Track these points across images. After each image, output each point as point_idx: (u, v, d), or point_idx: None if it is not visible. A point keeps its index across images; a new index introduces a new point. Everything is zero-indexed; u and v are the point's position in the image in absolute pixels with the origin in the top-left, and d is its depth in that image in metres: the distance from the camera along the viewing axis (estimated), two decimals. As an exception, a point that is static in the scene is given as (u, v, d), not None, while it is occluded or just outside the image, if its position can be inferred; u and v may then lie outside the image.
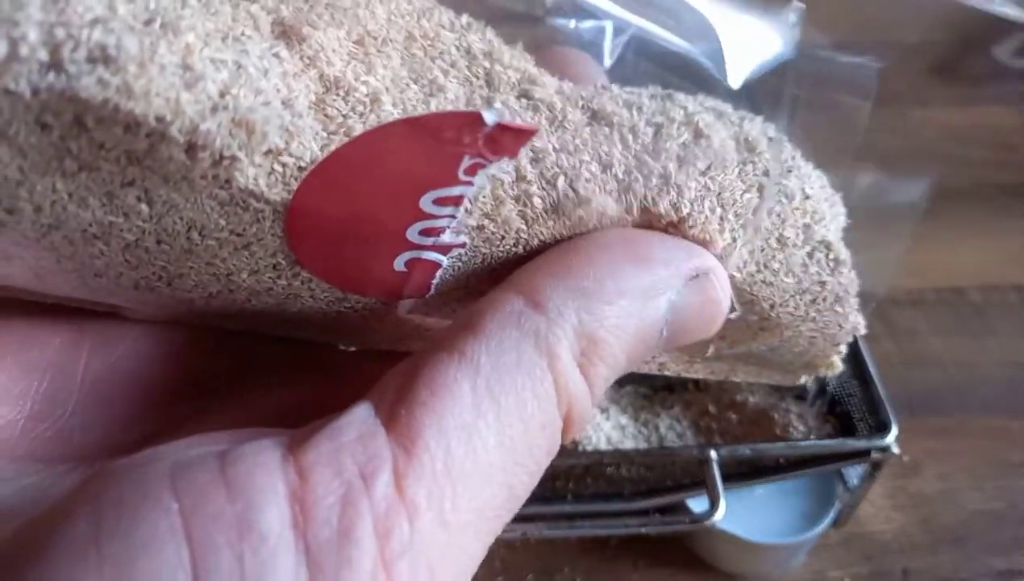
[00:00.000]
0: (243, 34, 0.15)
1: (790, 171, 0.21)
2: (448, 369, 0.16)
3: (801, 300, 0.22)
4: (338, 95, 0.16)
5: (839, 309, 0.23)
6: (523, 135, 0.17)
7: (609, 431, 0.37)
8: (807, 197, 0.21)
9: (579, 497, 0.37)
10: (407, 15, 0.18)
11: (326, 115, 0.16)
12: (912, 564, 0.39)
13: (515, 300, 0.17)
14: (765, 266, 0.21)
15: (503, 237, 0.18)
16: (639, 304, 0.18)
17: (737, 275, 0.21)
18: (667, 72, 0.22)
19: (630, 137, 0.19)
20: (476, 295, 0.19)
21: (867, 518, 0.41)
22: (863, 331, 0.24)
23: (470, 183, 0.17)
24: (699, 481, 0.36)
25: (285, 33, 0.16)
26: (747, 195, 0.20)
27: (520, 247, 0.19)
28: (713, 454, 0.34)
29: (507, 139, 0.17)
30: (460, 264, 0.19)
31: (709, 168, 0.20)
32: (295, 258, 0.17)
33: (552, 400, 0.17)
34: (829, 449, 0.35)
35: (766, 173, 0.20)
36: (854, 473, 0.38)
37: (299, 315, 0.19)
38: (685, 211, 0.19)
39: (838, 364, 0.26)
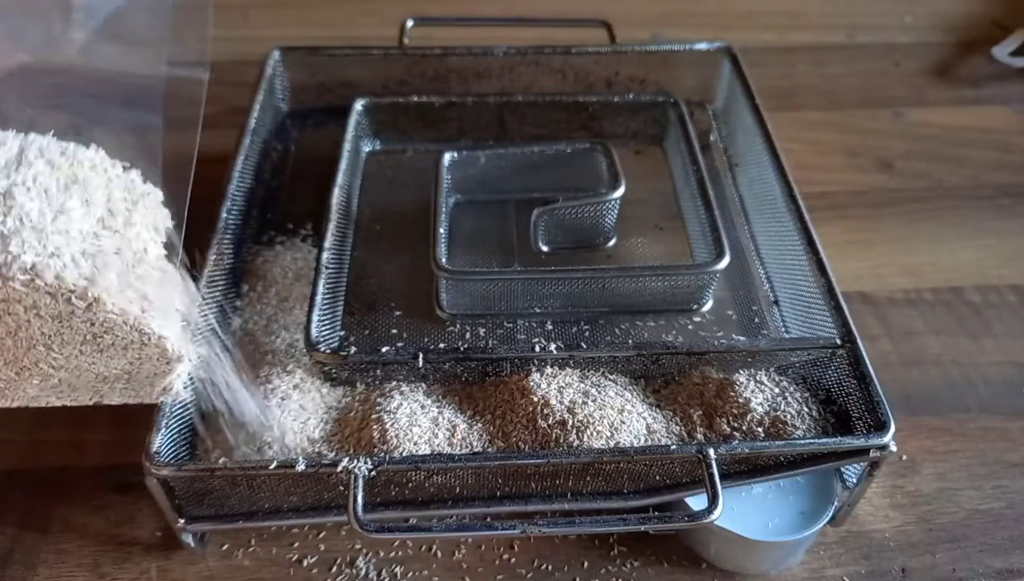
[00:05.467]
0: None
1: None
2: None
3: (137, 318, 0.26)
4: None
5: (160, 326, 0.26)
6: None
7: (608, 430, 0.37)
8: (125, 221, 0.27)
9: (578, 495, 0.37)
10: None
11: None
12: (910, 563, 0.39)
13: None
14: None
15: None
16: None
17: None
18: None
19: None
20: None
21: (865, 517, 0.41)
22: (192, 355, 0.28)
23: None
24: (698, 479, 0.36)
25: None
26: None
27: None
28: (712, 452, 0.34)
29: None
30: None
31: None
32: None
33: None
34: (827, 448, 0.35)
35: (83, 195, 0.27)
36: (852, 472, 0.38)
37: None
38: None
39: (176, 386, 0.28)
